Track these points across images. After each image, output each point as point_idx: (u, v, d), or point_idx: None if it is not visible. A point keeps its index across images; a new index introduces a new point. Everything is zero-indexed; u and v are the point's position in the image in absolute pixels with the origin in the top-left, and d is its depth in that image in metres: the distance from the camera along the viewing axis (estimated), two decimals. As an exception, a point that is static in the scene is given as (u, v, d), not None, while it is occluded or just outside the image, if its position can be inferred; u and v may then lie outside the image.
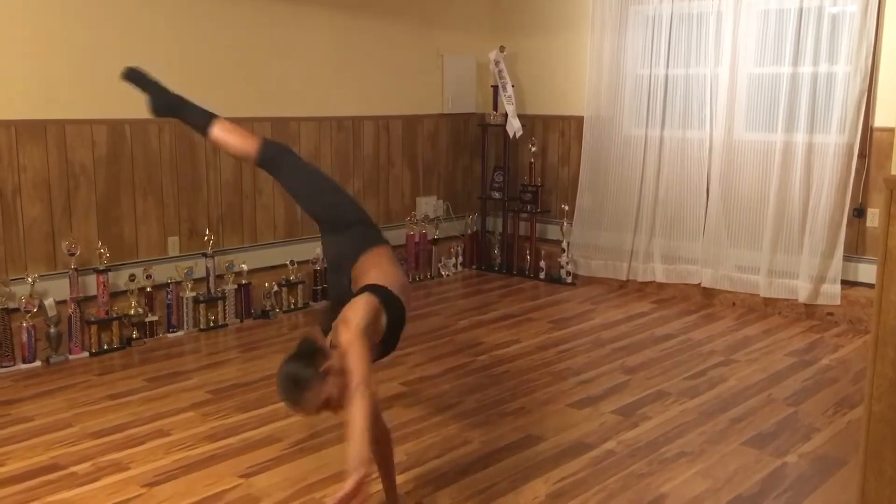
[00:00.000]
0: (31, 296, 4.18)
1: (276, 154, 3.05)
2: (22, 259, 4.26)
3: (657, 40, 5.58)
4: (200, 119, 3.12)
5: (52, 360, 4.25)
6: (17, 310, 4.17)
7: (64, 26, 4.30)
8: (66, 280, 4.33)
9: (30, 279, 4.20)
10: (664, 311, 5.33)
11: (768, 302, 5.27)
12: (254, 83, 5.14)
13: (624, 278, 5.89)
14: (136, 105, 4.57)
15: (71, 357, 4.32)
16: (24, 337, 4.17)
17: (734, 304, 5.41)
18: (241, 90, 5.06)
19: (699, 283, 5.54)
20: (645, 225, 5.76)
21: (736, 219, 5.39)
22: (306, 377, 2.31)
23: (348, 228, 2.90)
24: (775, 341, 4.70)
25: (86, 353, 4.37)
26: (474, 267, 6.56)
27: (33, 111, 4.22)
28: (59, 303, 4.30)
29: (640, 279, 5.81)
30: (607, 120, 5.87)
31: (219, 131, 3.06)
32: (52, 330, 4.25)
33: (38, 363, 4.22)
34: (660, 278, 5.72)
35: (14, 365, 4.16)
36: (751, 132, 5.32)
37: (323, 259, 2.83)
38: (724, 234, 5.41)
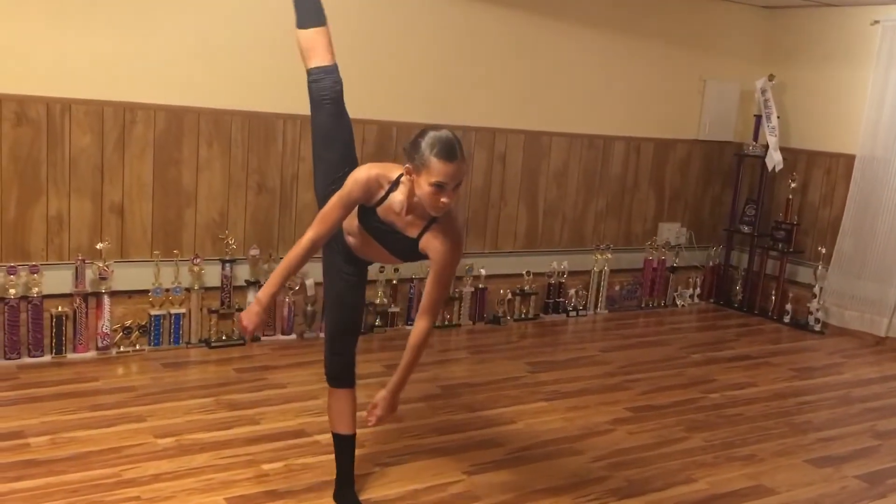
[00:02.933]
0: (296, 275, 4.60)
1: (334, 86, 2.84)
2: (291, 241, 4.70)
3: (954, 78, 5.05)
4: (314, 5, 2.88)
5: (305, 335, 4.66)
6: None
7: (355, 43, 4.69)
8: (326, 264, 4.72)
9: (296, 259, 4.62)
10: (928, 377, 4.81)
11: None
12: (511, 95, 5.30)
13: (882, 334, 5.38)
14: (403, 109, 4.91)
15: (321, 335, 4.71)
16: (286, 311, 4.61)
17: None
18: (497, 101, 5.24)
19: (974, 352, 4.94)
20: (915, 279, 5.23)
21: None
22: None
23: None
24: None
25: (334, 333, 4.74)
26: (712, 300, 6.30)
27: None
28: (318, 284, 4.70)
29: (901, 338, 5.29)
30: (883, 161, 5.40)
31: (318, 35, 2.86)
32: (309, 308, 4.66)
33: (293, 336, 4.65)
34: (926, 340, 5.17)
35: (274, 335, 4.62)
36: None
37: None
38: None
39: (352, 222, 2.70)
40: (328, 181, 2.79)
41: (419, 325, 2.63)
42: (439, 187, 2.41)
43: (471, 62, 5.09)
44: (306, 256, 2.57)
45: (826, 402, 4.26)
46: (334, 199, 2.59)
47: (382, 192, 2.59)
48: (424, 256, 2.63)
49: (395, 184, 2.57)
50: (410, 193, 2.51)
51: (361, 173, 2.59)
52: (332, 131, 2.86)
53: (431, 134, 2.44)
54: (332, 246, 2.79)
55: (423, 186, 2.43)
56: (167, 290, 4.29)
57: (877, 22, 5.41)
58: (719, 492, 3.14)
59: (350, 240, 2.76)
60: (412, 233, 2.60)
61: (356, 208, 2.64)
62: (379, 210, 2.61)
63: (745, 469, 3.36)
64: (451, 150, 2.41)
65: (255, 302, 2.58)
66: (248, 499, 2.82)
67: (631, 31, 5.68)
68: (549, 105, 5.46)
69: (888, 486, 3.30)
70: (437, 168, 2.39)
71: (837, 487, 3.25)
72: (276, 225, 4.64)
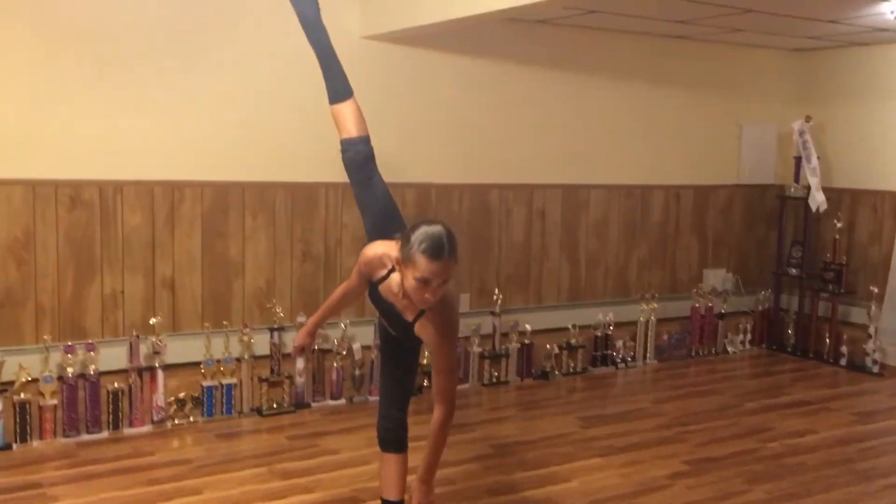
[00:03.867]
0: (342, 339, 4.66)
1: (356, 157, 2.94)
2: (337, 306, 4.76)
3: None
4: (341, 82, 3.02)
5: (354, 399, 4.68)
6: (329, 350, 4.66)
7: (393, 109, 4.80)
8: (371, 328, 4.76)
9: (342, 325, 4.68)
10: None
11: None
12: (546, 150, 5.36)
13: (944, 373, 5.22)
14: (441, 170, 4.99)
15: (370, 398, 4.73)
16: (334, 376, 4.65)
17: None
18: (532, 157, 5.31)
19: None
20: (973, 315, 5.09)
21: None
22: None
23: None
24: None
25: (383, 396, 4.75)
26: (764, 346, 6.18)
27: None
28: (364, 348, 4.74)
29: (964, 376, 5.12)
30: (930, 196, 5.32)
31: (344, 108, 2.99)
32: (357, 372, 4.69)
33: (342, 401, 4.67)
34: None
35: (324, 400, 4.65)
36: None
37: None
38: None
39: None
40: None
41: (434, 415, 2.69)
42: (424, 283, 2.45)
43: (504, 120, 5.18)
44: (341, 300, 2.94)
45: (891, 447, 4.13)
46: (356, 266, 2.77)
47: (384, 272, 2.64)
48: (420, 339, 2.69)
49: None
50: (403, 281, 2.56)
51: (367, 250, 2.71)
52: (361, 198, 2.97)
53: (423, 229, 2.47)
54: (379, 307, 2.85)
55: (409, 280, 2.47)
56: (218, 361, 4.36)
57: (911, 57, 5.39)
58: (785, 546, 3.05)
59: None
60: (409, 316, 2.66)
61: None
62: (381, 288, 2.68)
63: (810, 521, 3.26)
64: (438, 248, 2.43)
65: (304, 327, 2.96)
66: (305, 569, 2.82)
67: (664, 80, 5.73)
68: (585, 158, 5.51)
69: (963, 534, 3.17)
70: (422, 265, 2.42)
71: (909, 537, 3.14)
72: (321, 291, 4.71)
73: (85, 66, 4.03)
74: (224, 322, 4.41)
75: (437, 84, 4.92)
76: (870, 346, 5.52)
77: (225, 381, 4.36)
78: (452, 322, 2.68)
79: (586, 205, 5.55)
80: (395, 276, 2.60)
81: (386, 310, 2.72)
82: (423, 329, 2.63)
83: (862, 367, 5.55)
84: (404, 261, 2.48)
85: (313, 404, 4.60)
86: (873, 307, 5.54)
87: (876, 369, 5.49)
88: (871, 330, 5.52)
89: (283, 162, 4.53)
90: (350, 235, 4.75)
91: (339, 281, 4.72)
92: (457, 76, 4.99)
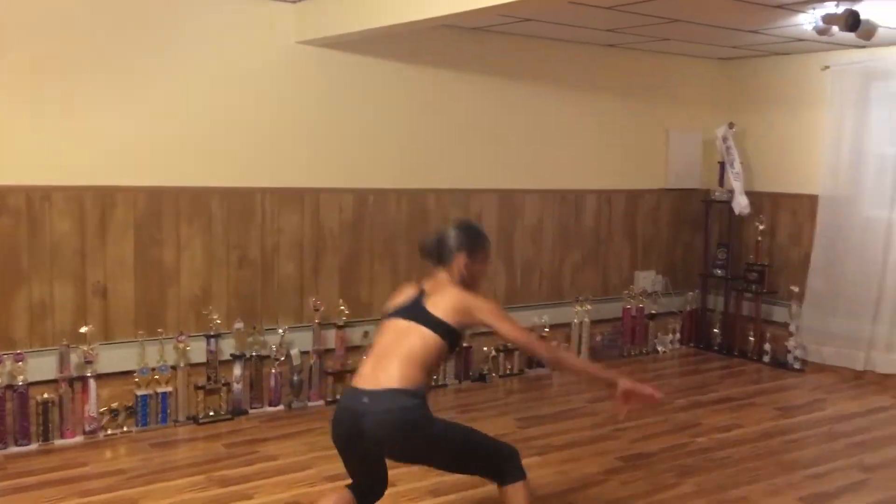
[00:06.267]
0: (280, 345, 4.63)
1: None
2: (274, 311, 4.74)
3: (904, 117, 5.27)
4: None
5: (293, 406, 4.66)
6: (267, 357, 4.63)
7: (330, 115, 4.81)
8: (310, 333, 4.75)
9: (280, 330, 4.66)
10: (908, 408, 4.90)
11: None
12: (482, 156, 5.43)
13: (861, 368, 5.48)
14: (378, 175, 5.01)
15: (310, 404, 4.71)
16: (272, 382, 4.62)
17: None
18: (468, 163, 5.37)
19: (951, 380, 5.05)
20: (887, 313, 5.36)
21: None
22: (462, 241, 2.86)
23: None
24: None
25: (322, 402, 4.75)
26: (692, 345, 6.38)
27: (295, 180, 4.74)
28: (303, 353, 4.72)
29: (879, 370, 5.39)
30: (845, 200, 5.58)
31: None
32: (296, 378, 4.67)
33: (281, 407, 4.64)
34: (903, 371, 5.27)
35: (262, 407, 4.61)
36: None
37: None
38: (983, 328, 4.91)
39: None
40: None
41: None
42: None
43: (440, 126, 5.23)
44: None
45: (812, 439, 4.33)
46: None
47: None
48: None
49: None
50: None
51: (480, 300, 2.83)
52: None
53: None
54: None
55: (481, 269, 2.97)
56: (153, 370, 4.29)
57: (827, 67, 5.65)
58: (715, 536, 3.17)
59: None
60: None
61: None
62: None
63: (738, 511, 3.40)
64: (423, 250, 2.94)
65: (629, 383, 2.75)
66: (247, 576, 2.80)
67: (596, 87, 5.87)
68: (520, 163, 5.60)
69: (879, 519, 3.35)
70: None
71: (830, 523, 3.30)
72: (258, 296, 4.68)
73: (13, 71, 3.92)
74: (159, 329, 4.34)
75: (373, 89, 4.94)
76: (791, 343, 5.76)
77: (160, 390, 4.29)
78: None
79: (521, 210, 5.64)
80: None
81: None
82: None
83: (784, 364, 5.78)
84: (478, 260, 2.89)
85: (251, 411, 4.56)
86: (794, 306, 5.78)
87: (797, 365, 5.73)
88: (793, 328, 5.76)
89: (218, 167, 4.48)
90: (287, 241, 4.73)
91: (276, 286, 4.70)
92: (393, 82, 5.02)
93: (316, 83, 4.75)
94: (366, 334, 4.91)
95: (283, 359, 4.63)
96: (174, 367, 4.35)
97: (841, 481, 3.74)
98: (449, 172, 5.30)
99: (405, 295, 2.87)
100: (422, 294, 2.81)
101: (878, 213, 5.41)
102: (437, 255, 2.89)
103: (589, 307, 5.82)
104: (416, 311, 2.73)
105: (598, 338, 5.93)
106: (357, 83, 4.89)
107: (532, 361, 5.57)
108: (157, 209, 4.33)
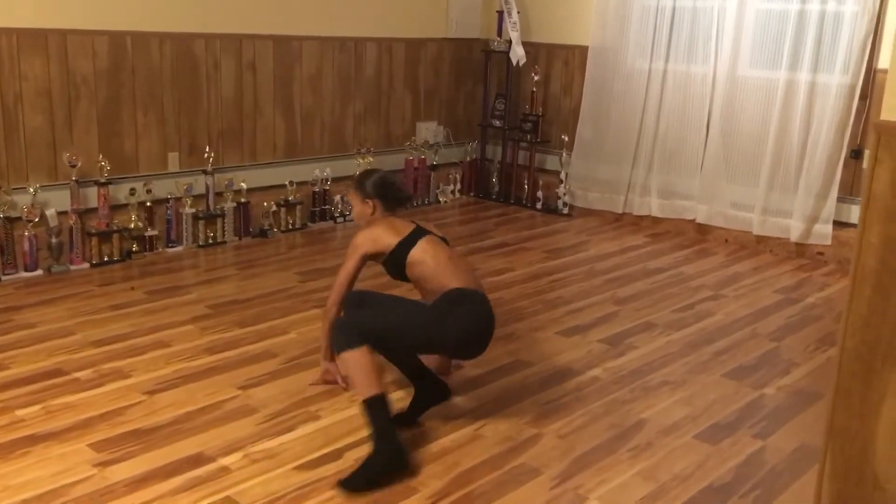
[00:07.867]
0: (32, 205, 4.23)
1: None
2: (23, 169, 4.29)
3: (667, -29, 5.50)
4: None
5: (53, 270, 4.33)
6: (18, 219, 4.22)
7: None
8: (68, 191, 4.37)
9: (31, 189, 4.24)
10: (658, 245, 5.41)
11: (760, 240, 5.34)
12: (257, -1, 5.08)
13: (620, 211, 5.94)
14: (137, 16, 4.55)
15: (72, 267, 4.40)
16: (26, 246, 4.24)
17: (727, 240, 5.49)
18: (240, 5, 5.01)
19: (694, 219, 5.60)
20: (643, 159, 5.78)
21: (734, 156, 5.41)
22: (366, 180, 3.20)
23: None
24: (764, 278, 4.79)
25: (86, 265, 4.45)
26: (472, 194, 6.60)
27: (35, 19, 4.19)
28: (61, 214, 4.36)
29: (636, 213, 5.87)
30: (612, 51, 5.83)
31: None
32: (54, 240, 4.32)
33: (39, 272, 4.30)
34: (655, 213, 5.78)
35: (16, 273, 4.24)
36: (754, 69, 5.29)
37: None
38: (722, 171, 5.45)
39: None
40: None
41: None
42: None
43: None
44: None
45: (574, 278, 4.68)
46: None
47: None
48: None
49: None
50: None
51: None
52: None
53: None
54: None
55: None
56: None
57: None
58: (483, 371, 3.38)
59: None
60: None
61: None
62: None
63: (505, 348, 3.64)
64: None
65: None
66: (3, 447, 2.64)
67: (372, -72, 5.60)
68: (294, 7, 5.30)
69: (626, 345, 3.72)
70: None
71: (584, 352, 3.63)
72: (2, 152, 4.20)
73: None
74: None
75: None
76: (561, 190, 6.10)
77: None
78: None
79: (299, 57, 5.39)
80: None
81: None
82: None
83: (554, 210, 6.14)
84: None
85: (3, 277, 4.18)
86: (564, 154, 6.10)
87: (566, 211, 6.11)
88: (563, 175, 6.10)
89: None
90: (32, 89, 4.22)
91: (24, 140, 4.23)
92: None
93: None
94: (133, 191, 4.61)
95: (36, 220, 4.24)
96: None
97: (596, 314, 4.10)
98: (218, 14, 4.91)
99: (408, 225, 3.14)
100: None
101: (640, 64, 5.72)
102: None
103: (371, 159, 5.79)
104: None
105: (381, 189, 5.95)
106: None
107: (315, 215, 5.52)
108: None
